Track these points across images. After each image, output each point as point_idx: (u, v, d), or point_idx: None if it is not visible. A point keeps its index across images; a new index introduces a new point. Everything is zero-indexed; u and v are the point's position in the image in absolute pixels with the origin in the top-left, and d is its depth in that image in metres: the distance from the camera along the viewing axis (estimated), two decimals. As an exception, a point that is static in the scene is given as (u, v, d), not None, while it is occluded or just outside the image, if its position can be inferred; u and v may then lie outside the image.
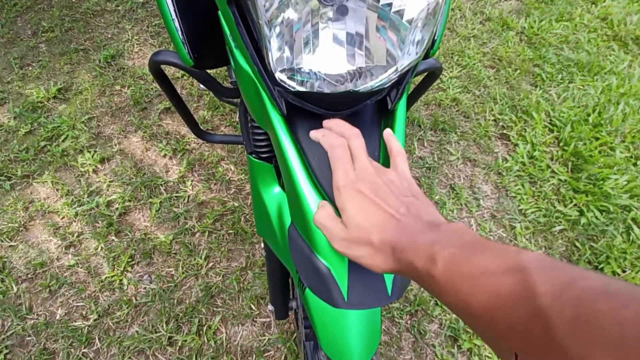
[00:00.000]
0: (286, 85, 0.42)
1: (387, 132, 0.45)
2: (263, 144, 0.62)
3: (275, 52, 0.41)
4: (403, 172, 0.40)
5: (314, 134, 0.43)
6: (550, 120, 1.67)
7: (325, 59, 0.42)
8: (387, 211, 0.35)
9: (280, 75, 0.42)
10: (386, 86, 0.44)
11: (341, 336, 0.53)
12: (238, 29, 0.44)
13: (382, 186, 0.37)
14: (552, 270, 0.24)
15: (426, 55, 0.62)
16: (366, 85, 0.43)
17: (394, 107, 0.48)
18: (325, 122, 0.45)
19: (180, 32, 0.55)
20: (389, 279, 0.44)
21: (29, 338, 1.12)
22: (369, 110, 0.49)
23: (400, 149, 0.43)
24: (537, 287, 0.24)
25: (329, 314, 0.51)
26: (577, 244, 1.34)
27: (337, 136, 0.41)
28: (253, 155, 0.63)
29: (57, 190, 1.39)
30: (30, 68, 1.76)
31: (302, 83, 0.43)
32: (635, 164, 1.52)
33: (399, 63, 0.42)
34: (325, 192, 0.44)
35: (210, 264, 1.27)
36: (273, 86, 0.45)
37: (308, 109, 0.46)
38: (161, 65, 0.67)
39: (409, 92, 0.80)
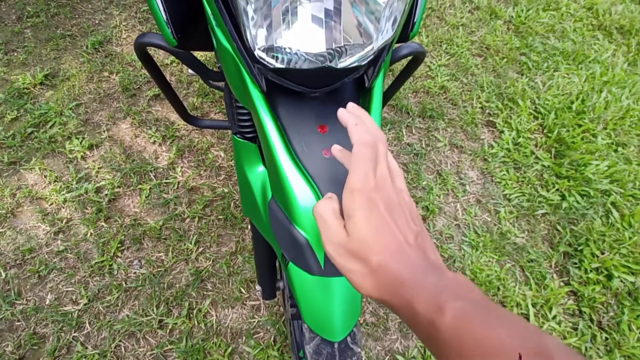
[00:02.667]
0: (265, 62, 0.44)
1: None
2: (247, 124, 0.63)
3: (253, 29, 0.42)
4: (408, 195, 0.37)
5: (344, 115, 0.38)
6: (535, 107, 1.69)
7: (303, 37, 0.43)
8: (396, 235, 0.32)
9: (259, 52, 0.43)
10: (363, 63, 0.46)
11: (322, 308, 0.55)
12: (217, 6, 0.45)
13: (397, 205, 0.34)
14: None
15: (406, 38, 0.64)
16: (344, 62, 0.44)
17: (371, 85, 0.49)
18: (353, 107, 0.40)
19: (163, 12, 0.56)
20: None
21: (19, 323, 1.13)
22: (347, 88, 0.51)
23: (398, 168, 0.39)
24: None
25: (310, 286, 0.53)
26: (559, 227, 1.38)
27: (369, 132, 0.37)
28: (238, 136, 0.64)
29: (45, 176, 1.39)
30: (15, 54, 1.74)
31: (281, 60, 0.44)
32: (615, 150, 1.56)
33: (375, 41, 0.43)
34: (304, 165, 0.45)
35: (200, 249, 1.28)
36: (253, 63, 0.46)
37: (287, 86, 0.47)
38: (147, 48, 0.68)
39: (395, 78, 0.82)
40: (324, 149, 0.47)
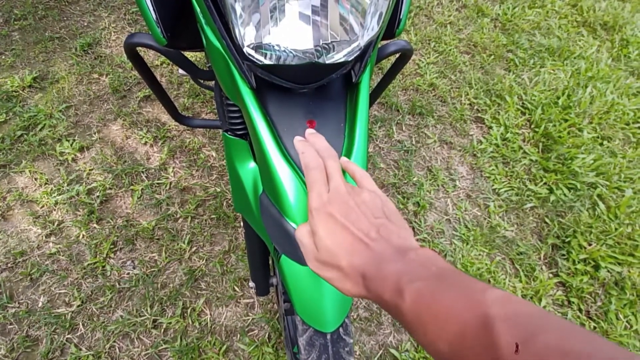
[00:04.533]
0: (254, 59, 0.45)
1: (344, 160, 0.45)
2: (238, 121, 0.64)
3: (241, 26, 0.43)
4: (375, 190, 0.40)
5: (298, 145, 0.43)
6: (523, 103, 1.72)
7: (291, 34, 0.44)
8: (356, 235, 0.35)
9: (248, 50, 0.44)
10: (350, 59, 0.47)
11: (314, 299, 0.56)
12: (206, 4, 0.46)
13: (353, 208, 0.37)
14: (514, 318, 0.25)
15: (393, 35, 0.65)
16: (331, 58, 0.45)
17: (358, 80, 0.51)
18: (308, 134, 0.45)
19: (152, 11, 0.56)
20: None
21: (11, 326, 1.13)
22: (335, 84, 0.52)
23: (363, 172, 0.42)
24: (500, 338, 0.24)
25: (302, 278, 0.55)
26: (547, 220, 1.41)
27: (315, 157, 0.41)
28: (229, 133, 0.65)
29: (36, 179, 1.38)
30: (3, 57, 1.72)
31: (270, 57, 0.45)
32: (601, 144, 1.60)
33: (361, 37, 0.45)
34: (293, 160, 0.46)
35: (194, 249, 1.28)
36: (242, 60, 0.47)
37: (276, 82, 0.48)
38: (137, 49, 0.68)
39: (383, 75, 0.83)
40: None
